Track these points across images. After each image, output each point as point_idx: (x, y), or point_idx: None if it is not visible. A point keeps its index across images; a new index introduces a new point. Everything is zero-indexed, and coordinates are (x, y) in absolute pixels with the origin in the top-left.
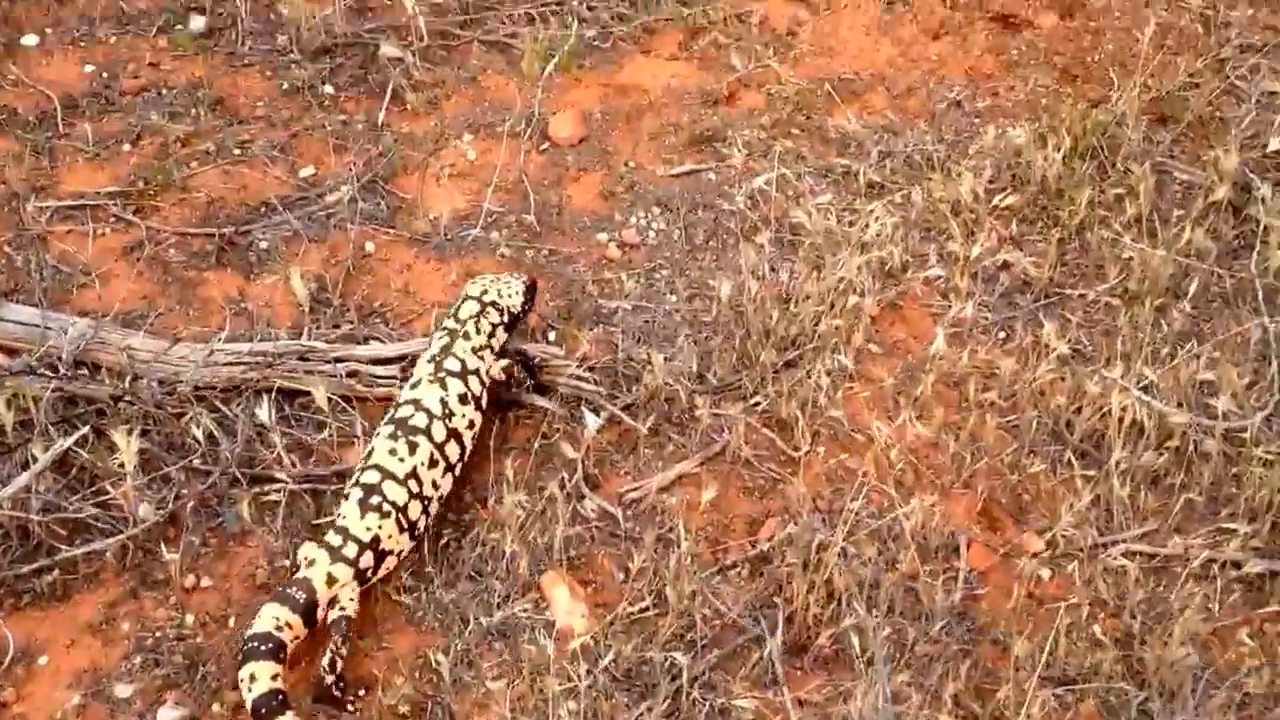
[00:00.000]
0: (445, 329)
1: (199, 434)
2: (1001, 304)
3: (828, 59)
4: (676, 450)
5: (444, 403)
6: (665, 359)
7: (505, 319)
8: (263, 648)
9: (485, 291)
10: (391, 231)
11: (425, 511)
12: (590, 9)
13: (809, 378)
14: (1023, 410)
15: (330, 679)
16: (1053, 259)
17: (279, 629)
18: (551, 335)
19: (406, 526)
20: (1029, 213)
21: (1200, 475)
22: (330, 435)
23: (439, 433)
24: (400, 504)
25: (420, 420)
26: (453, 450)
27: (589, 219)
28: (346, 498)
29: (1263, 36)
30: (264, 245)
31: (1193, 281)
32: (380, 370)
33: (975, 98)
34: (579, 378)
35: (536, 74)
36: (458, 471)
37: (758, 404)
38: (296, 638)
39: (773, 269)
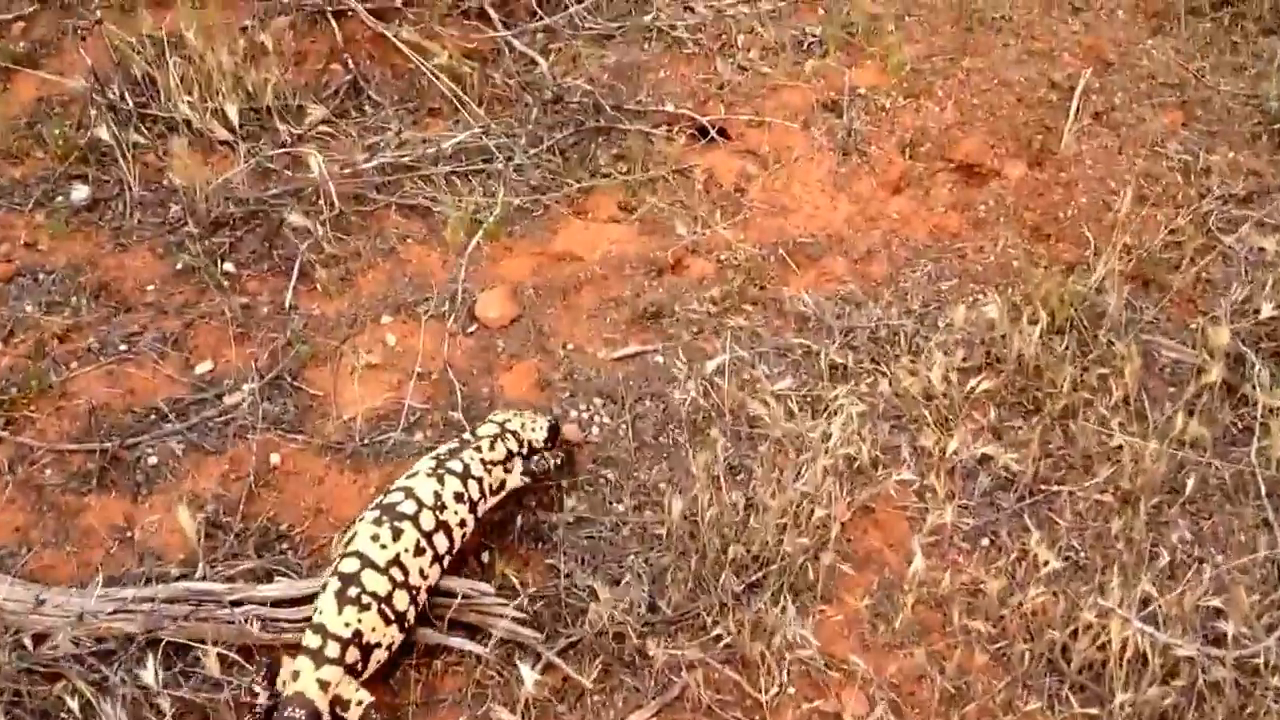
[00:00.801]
0: (457, 439)
1: (74, 704)
2: (983, 504)
3: (780, 219)
4: (629, 698)
5: (437, 495)
6: (613, 585)
7: (523, 450)
8: None
9: (508, 421)
10: (300, 438)
11: (414, 601)
12: (518, 169)
13: (774, 604)
14: (1013, 638)
15: None
16: (1036, 451)
17: None
18: (485, 555)
19: (394, 618)
20: (1006, 395)
21: (1213, 712)
22: (231, 694)
23: (427, 521)
24: (382, 594)
25: (409, 507)
26: (441, 542)
27: None
28: (324, 589)
29: (1246, 184)
30: (153, 461)
31: (1189, 475)
32: (287, 614)
33: (941, 261)
34: (515, 619)
35: (461, 244)
36: (445, 565)
37: (719, 637)
38: None
39: (731, 468)
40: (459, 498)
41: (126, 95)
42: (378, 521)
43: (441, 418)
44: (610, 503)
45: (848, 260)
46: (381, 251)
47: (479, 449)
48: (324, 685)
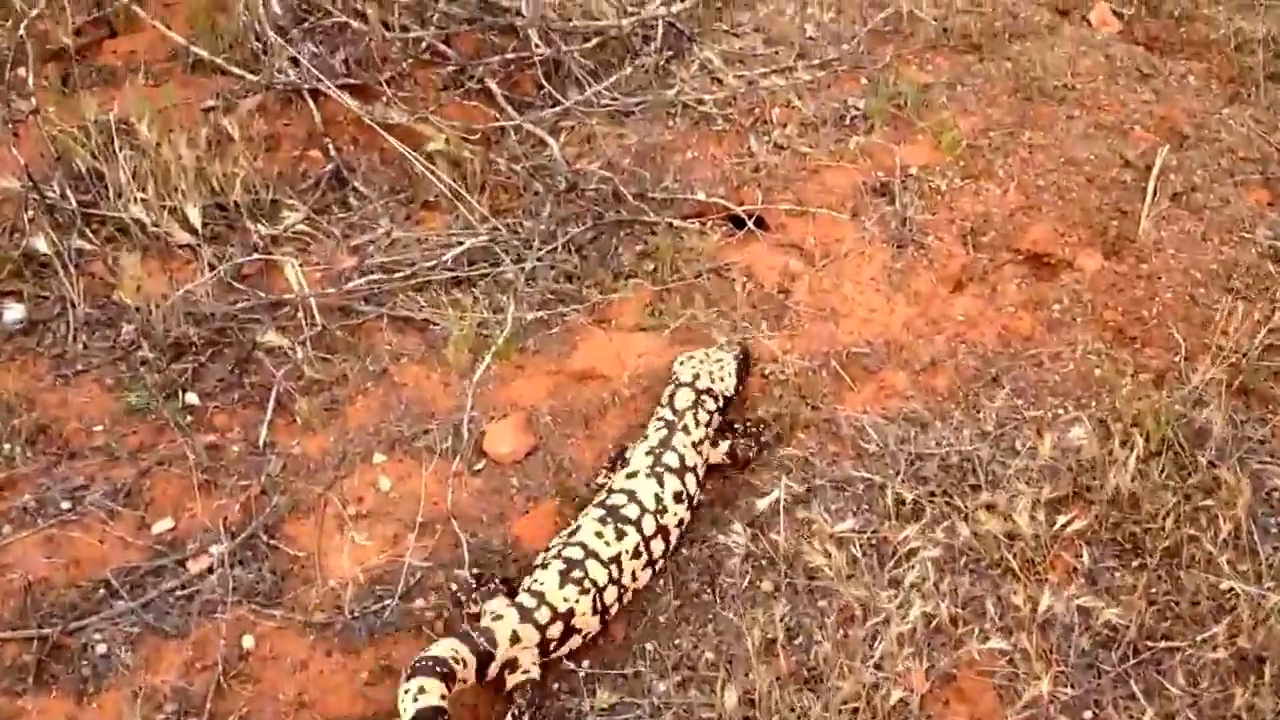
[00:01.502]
0: (662, 419)
1: None
2: (1081, 668)
3: (831, 325)
4: None
5: (658, 498)
6: None
7: (720, 404)
8: (437, 669)
9: (698, 377)
10: (278, 613)
11: (619, 600)
12: (529, 274)
13: None
14: None
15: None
16: (1139, 603)
17: (455, 660)
18: None
19: (600, 609)
20: (1100, 533)
21: None
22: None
23: (649, 526)
24: (600, 584)
25: (632, 511)
26: (657, 546)
27: None
28: (545, 567)
29: None
30: (101, 649)
31: None
32: None
33: (1014, 371)
34: None
35: (466, 365)
36: (656, 569)
37: None
38: (464, 680)
39: (789, 631)
40: (678, 497)
41: (68, 193)
42: (603, 521)
43: (447, 576)
44: (650, 680)
45: (909, 372)
46: (372, 375)
47: (686, 430)
48: (514, 639)
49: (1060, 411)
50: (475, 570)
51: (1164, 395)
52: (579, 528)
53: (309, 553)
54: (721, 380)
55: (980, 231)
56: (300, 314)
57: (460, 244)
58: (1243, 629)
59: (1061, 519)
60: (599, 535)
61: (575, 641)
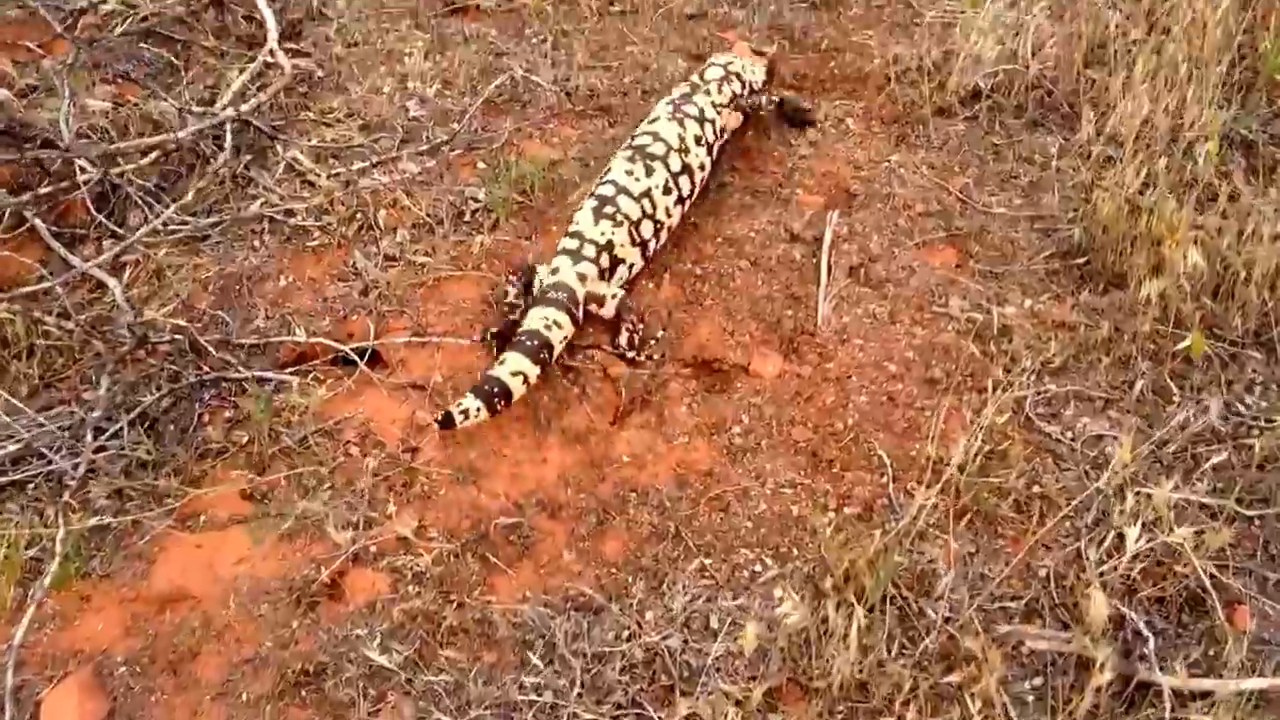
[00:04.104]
0: (687, 83)
1: None
2: None
3: (471, 488)
4: None
5: (680, 138)
6: None
7: (744, 91)
8: (529, 343)
9: (731, 63)
10: None
11: (656, 235)
12: (90, 470)
13: None
14: None
15: (633, 354)
16: None
17: (548, 327)
18: None
19: (639, 241)
20: None
21: None
22: None
23: (675, 163)
24: (633, 218)
25: (658, 149)
26: (684, 183)
27: None
28: (580, 209)
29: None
30: None
31: None
32: None
33: (696, 521)
34: None
35: (10, 605)
36: (686, 208)
37: None
38: (565, 338)
39: None
40: (699, 140)
41: None
42: (631, 159)
43: None
44: None
45: (573, 538)
46: None
47: (709, 92)
48: (581, 278)
49: (758, 568)
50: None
51: (877, 536)
52: (610, 169)
53: None
54: (751, 73)
55: (639, 339)
56: None
57: None
58: None
59: None
60: (629, 173)
61: (623, 272)
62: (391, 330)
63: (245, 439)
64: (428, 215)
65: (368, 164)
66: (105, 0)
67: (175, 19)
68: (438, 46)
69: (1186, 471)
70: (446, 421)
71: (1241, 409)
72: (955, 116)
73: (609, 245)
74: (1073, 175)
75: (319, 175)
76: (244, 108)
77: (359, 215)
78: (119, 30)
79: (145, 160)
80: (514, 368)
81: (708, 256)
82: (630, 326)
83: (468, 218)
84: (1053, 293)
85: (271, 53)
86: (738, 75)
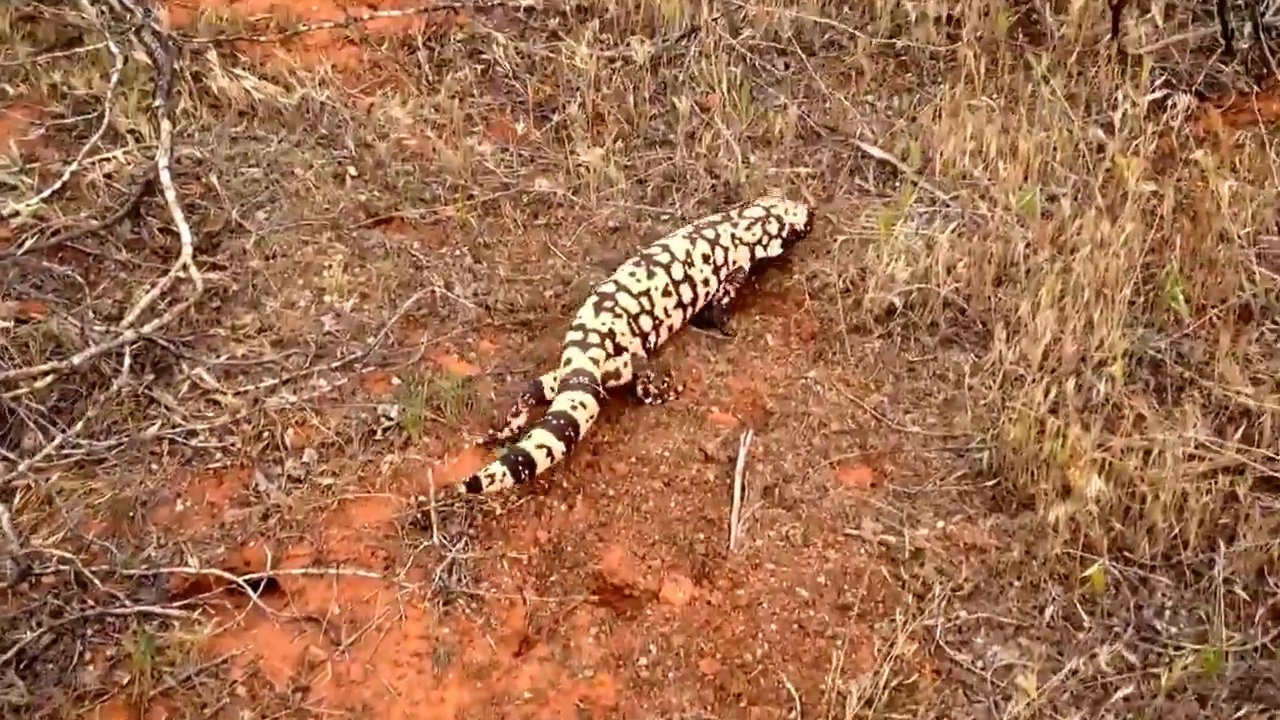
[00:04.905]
0: (722, 215)
1: None
2: None
3: None
4: None
5: (688, 253)
6: None
7: (782, 233)
8: (555, 422)
9: (774, 207)
10: None
11: (655, 329)
12: None
13: None
14: None
15: (657, 401)
16: None
17: (574, 408)
18: None
19: (638, 333)
20: None
21: None
22: None
23: (677, 271)
24: (632, 312)
25: (663, 258)
26: (685, 291)
27: None
28: (583, 305)
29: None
30: None
31: None
32: None
33: None
34: None
35: None
36: (688, 314)
37: None
38: (591, 417)
39: None
40: (706, 259)
41: None
42: (636, 264)
43: None
44: None
45: None
46: None
47: (735, 224)
48: (595, 362)
49: None
50: None
51: None
52: (616, 272)
53: None
54: (793, 215)
55: (546, 566)
56: None
57: None
58: None
59: None
60: (631, 275)
61: (626, 359)
62: (290, 558)
63: (126, 679)
64: (337, 434)
65: (277, 381)
66: (16, 214)
67: (88, 232)
68: (357, 259)
69: (1095, 702)
70: (473, 485)
71: (1151, 636)
72: (871, 333)
73: (610, 334)
74: (985, 394)
75: (224, 393)
76: (147, 328)
77: (265, 434)
78: (27, 245)
79: (39, 384)
80: (540, 442)
81: (621, 476)
82: (644, 380)
83: (378, 436)
84: (965, 514)
85: (185, 267)
86: (778, 217)
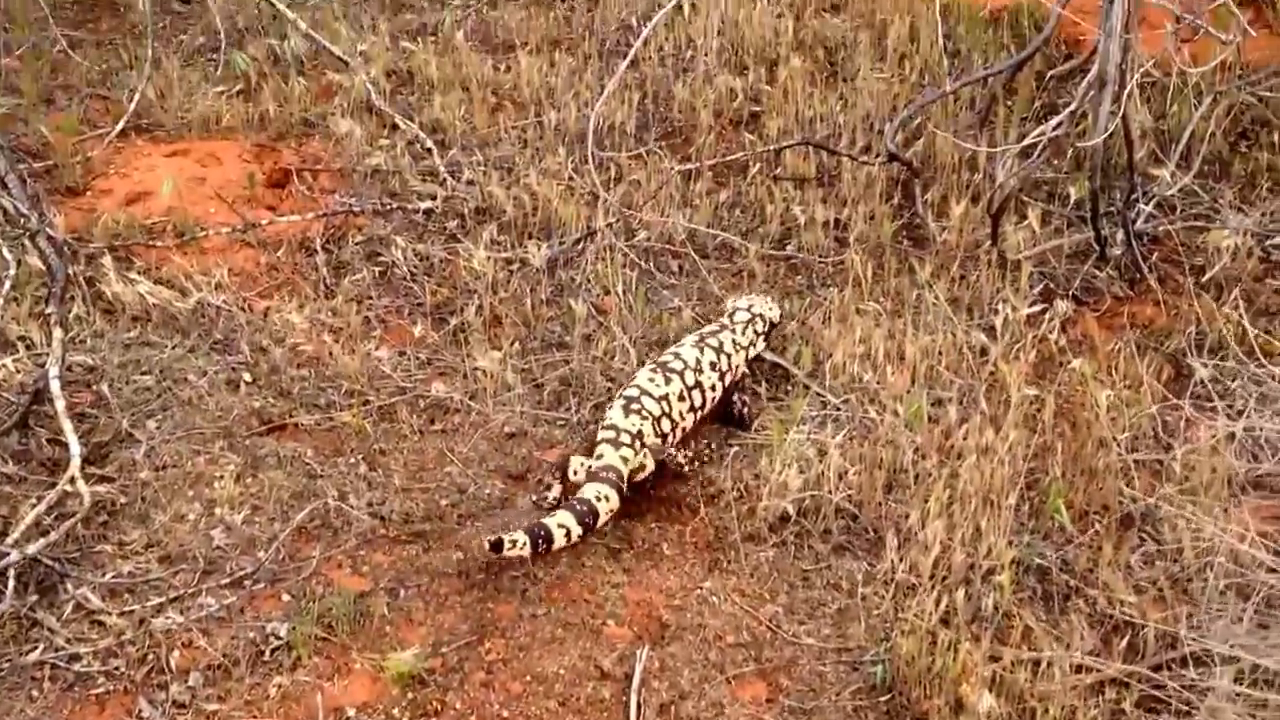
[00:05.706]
0: (719, 324)
1: None
2: None
3: None
4: None
5: (698, 360)
6: None
7: (766, 329)
8: (578, 507)
9: (753, 305)
10: None
11: (673, 432)
12: None
13: None
14: None
15: (687, 468)
16: None
17: (598, 499)
18: None
19: (660, 435)
20: None
21: None
22: None
23: (689, 378)
24: (655, 414)
25: (676, 365)
26: (696, 396)
27: None
28: (611, 406)
29: None
30: None
31: None
32: None
33: None
34: None
35: None
36: (699, 416)
37: None
38: (611, 510)
39: None
40: (713, 366)
41: None
42: (654, 370)
43: None
44: None
45: None
46: None
47: (734, 332)
48: (625, 460)
49: None
50: None
51: None
52: (636, 376)
53: None
54: (770, 310)
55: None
56: None
57: None
58: None
59: None
60: (651, 380)
61: (646, 452)
62: None
63: None
64: (224, 655)
65: (164, 600)
66: None
67: None
68: (250, 468)
69: None
70: (496, 546)
71: None
72: (765, 541)
73: (639, 434)
74: (878, 604)
75: (109, 614)
76: (33, 547)
77: (150, 656)
78: None
79: None
80: (560, 521)
81: (516, 697)
82: (668, 459)
83: (267, 657)
84: None
85: (72, 480)
86: (760, 315)
